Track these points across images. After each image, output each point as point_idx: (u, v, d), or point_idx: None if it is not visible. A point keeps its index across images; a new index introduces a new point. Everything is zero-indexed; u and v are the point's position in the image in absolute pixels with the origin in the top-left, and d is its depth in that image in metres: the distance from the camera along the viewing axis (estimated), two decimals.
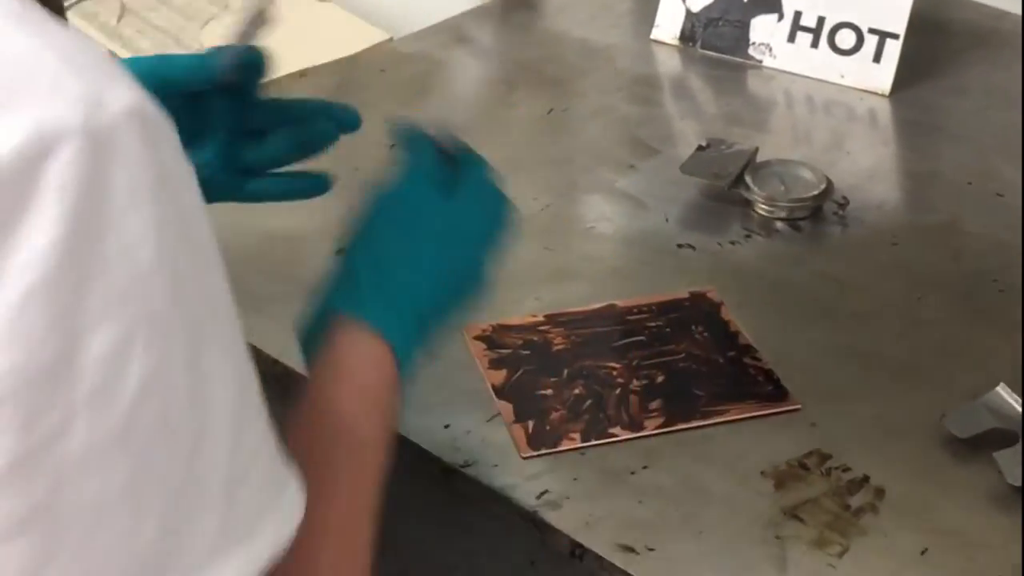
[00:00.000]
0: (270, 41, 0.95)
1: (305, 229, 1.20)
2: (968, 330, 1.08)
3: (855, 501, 0.93)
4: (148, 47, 1.54)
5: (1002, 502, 0.93)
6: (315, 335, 0.80)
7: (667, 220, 1.21)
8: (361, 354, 0.78)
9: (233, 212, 1.21)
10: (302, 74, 1.43)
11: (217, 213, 1.19)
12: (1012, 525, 0.91)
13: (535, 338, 1.07)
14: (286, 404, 0.76)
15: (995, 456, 0.94)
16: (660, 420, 0.99)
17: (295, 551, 0.63)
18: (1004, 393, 0.99)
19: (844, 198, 1.23)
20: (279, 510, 0.61)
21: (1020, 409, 0.97)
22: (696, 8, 1.45)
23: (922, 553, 0.89)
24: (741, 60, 1.44)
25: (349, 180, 1.26)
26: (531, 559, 0.96)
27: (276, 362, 1.04)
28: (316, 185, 0.98)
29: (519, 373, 1.03)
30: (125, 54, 1.50)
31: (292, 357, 1.04)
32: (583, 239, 1.19)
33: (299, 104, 0.99)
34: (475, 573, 1.00)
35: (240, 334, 0.62)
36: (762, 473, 0.95)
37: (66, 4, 1.57)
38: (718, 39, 1.45)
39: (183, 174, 0.59)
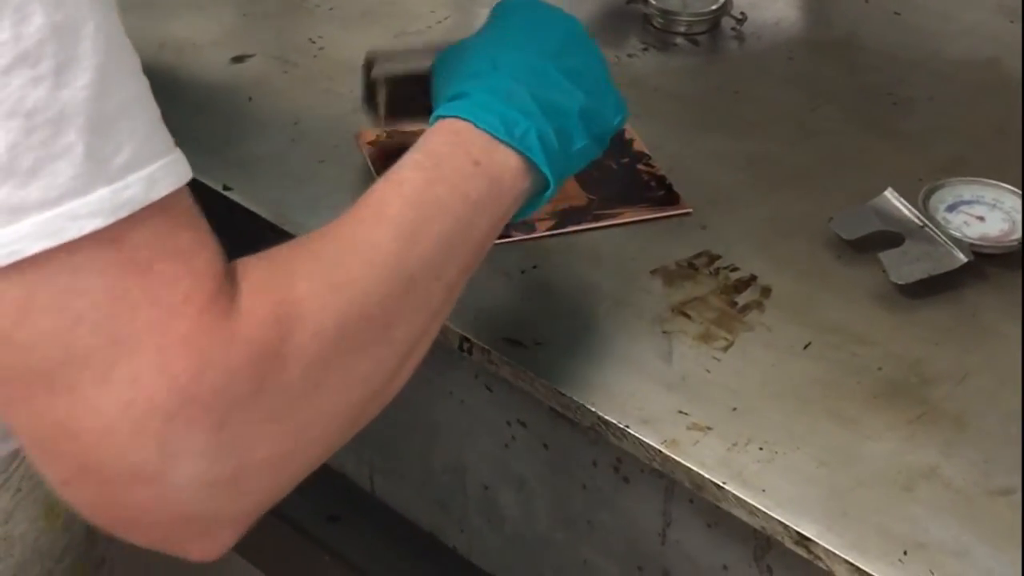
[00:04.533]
0: None
1: (200, 38, 1.18)
2: (860, 139, 1.09)
3: (742, 299, 0.94)
4: None
5: (884, 300, 0.94)
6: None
7: None
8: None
9: (128, 18, 1.20)
10: None
11: None
12: (893, 322, 0.93)
13: None
14: None
15: (880, 256, 0.95)
16: (552, 222, 1.00)
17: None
18: (891, 197, 1.00)
19: (742, 14, 1.22)
20: (151, 168, 0.61)
21: (907, 212, 0.99)
22: None
23: (805, 347, 0.91)
24: None
25: None
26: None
27: None
28: None
29: None
30: None
31: None
32: None
33: None
34: None
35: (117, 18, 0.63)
36: (651, 272, 0.96)
37: None
38: None
39: None
